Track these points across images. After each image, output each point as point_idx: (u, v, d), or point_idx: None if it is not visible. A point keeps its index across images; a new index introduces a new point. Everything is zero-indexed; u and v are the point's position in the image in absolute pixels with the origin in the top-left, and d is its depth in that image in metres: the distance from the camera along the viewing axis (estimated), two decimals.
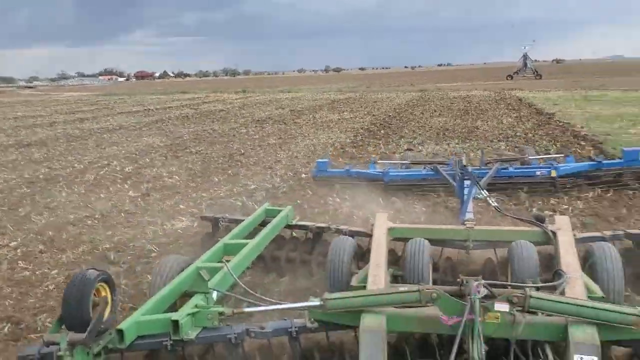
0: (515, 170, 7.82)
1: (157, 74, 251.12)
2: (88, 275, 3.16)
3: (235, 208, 7.67)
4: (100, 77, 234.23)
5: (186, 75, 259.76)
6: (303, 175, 9.79)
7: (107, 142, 16.10)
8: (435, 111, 22.24)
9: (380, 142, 13.93)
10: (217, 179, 9.90)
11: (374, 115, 22.00)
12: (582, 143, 12.18)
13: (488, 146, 12.32)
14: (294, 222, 5.39)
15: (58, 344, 2.86)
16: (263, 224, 5.22)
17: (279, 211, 5.37)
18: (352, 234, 4.75)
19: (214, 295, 3.53)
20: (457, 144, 13.00)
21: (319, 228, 5.13)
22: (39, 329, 4.26)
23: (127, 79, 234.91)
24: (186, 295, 3.55)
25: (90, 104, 40.61)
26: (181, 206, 7.98)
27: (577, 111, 19.80)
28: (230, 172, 10.59)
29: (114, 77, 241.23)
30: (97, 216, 7.58)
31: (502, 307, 2.80)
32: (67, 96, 61.29)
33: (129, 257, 5.84)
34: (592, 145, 11.78)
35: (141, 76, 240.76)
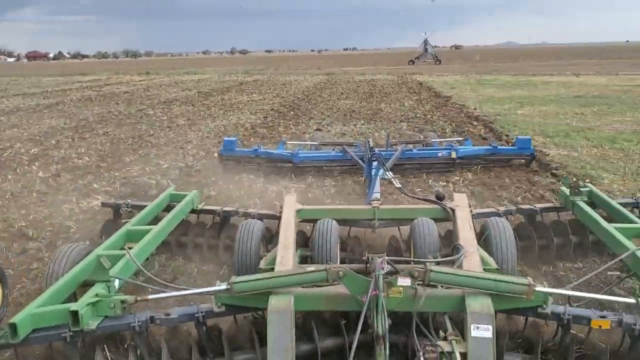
0: (419, 152, 8.22)
1: (51, 55, 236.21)
2: None
3: (150, 186, 7.83)
4: None
5: (84, 56, 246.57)
6: (215, 155, 10.04)
7: (5, 124, 15.37)
8: (342, 94, 22.99)
9: (290, 122, 14.38)
10: (128, 159, 9.92)
11: (282, 97, 22.39)
12: (475, 123, 13.27)
13: (391, 127, 13.10)
14: (200, 207, 5.33)
15: None
16: (168, 209, 5.13)
17: (184, 196, 5.29)
18: (261, 217, 4.78)
19: (116, 283, 3.43)
20: (363, 124, 13.70)
21: (226, 212, 5.10)
22: None
23: (17, 60, 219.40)
24: (86, 285, 3.43)
25: None
26: (95, 185, 8.02)
27: (471, 94, 21.24)
28: (141, 152, 10.62)
29: (2, 57, 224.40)
30: (7, 196, 7.47)
31: (404, 281, 2.89)
32: None
33: (47, 233, 5.92)
34: (484, 124, 12.88)
35: (33, 57, 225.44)
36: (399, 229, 4.75)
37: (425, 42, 63.00)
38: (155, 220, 4.83)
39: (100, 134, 13.18)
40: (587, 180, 6.97)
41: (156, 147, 11.12)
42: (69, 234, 5.86)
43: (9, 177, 8.71)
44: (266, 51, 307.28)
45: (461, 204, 4.55)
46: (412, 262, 3.31)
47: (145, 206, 5.08)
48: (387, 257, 2.94)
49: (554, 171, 7.93)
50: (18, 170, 9.19)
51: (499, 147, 8.49)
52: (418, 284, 2.90)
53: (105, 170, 9.08)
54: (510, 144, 9.25)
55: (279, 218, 4.58)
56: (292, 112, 16.73)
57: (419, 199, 5.27)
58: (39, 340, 2.99)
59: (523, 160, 8.33)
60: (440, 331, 2.90)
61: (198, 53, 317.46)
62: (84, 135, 12.97)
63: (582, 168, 8.08)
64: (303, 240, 4.55)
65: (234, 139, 8.83)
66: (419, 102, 18.75)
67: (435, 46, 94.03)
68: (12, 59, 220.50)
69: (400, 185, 5.49)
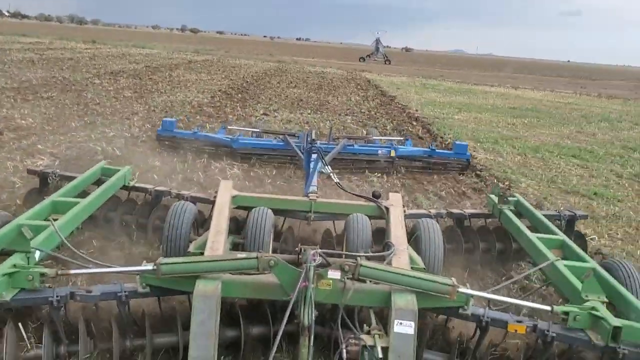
0: (360, 148, 8.31)
1: None
2: None
3: (95, 152, 7.99)
4: None
5: (24, 16, 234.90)
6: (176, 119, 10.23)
7: None
8: (291, 82, 23.34)
9: (237, 105, 14.63)
10: (73, 125, 9.96)
11: (231, 79, 22.51)
12: (414, 123, 13.96)
13: (336, 119, 13.60)
14: (132, 184, 5.22)
15: None
16: (98, 183, 5.02)
17: (116, 171, 5.17)
18: (194, 200, 4.72)
19: (37, 255, 3.29)
20: (309, 114, 14.14)
21: (158, 191, 5.03)
22: None
23: None
24: (3, 254, 3.32)
25: None
26: (39, 146, 8.08)
27: (415, 96, 22.07)
28: (86, 119, 10.64)
29: None
30: None
31: (334, 274, 2.93)
32: None
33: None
34: (422, 125, 13.58)
35: None
36: (333, 223, 4.82)
37: (377, 41, 64.11)
38: (84, 194, 4.73)
39: (44, 97, 13.02)
40: (507, 184, 7.68)
41: (102, 116, 11.16)
42: (14, 189, 5.99)
43: None
44: (218, 32, 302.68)
45: (395, 204, 4.65)
46: (344, 256, 3.33)
47: (74, 177, 4.96)
48: (319, 250, 2.95)
49: (478, 172, 8.62)
50: None
51: (436, 150, 8.67)
52: (347, 278, 2.94)
53: (49, 133, 9.11)
54: (448, 149, 9.48)
55: (212, 202, 4.52)
56: (239, 95, 16.97)
57: (355, 195, 5.35)
58: None
59: (459, 166, 8.53)
60: (365, 325, 2.97)
61: (147, 27, 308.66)
62: (27, 97, 12.77)
63: (504, 172, 8.83)
64: (236, 227, 4.52)
65: (174, 120, 8.76)
66: (365, 99, 19.37)
67: (387, 46, 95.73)
68: None
69: (338, 180, 5.53)
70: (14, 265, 3.00)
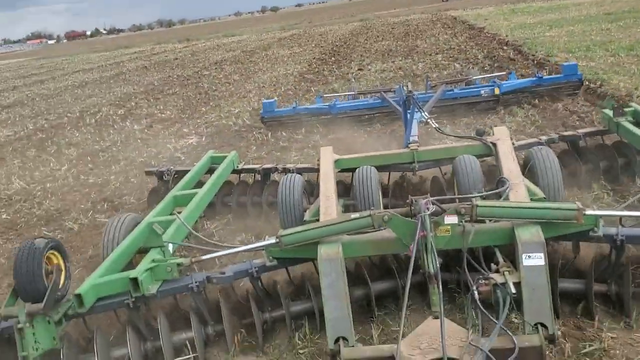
0: (461, 91, 8.00)
1: (88, 33, 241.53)
2: (36, 245, 3.03)
3: (229, 126, 9.51)
4: (28, 42, 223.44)
5: (119, 30, 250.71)
6: (276, 98, 11.64)
7: (83, 95, 17.41)
8: (378, 37, 24.07)
9: (333, 67, 15.79)
10: (203, 110, 11.66)
11: (321, 47, 23.65)
12: (505, 48, 14.36)
13: (427, 59, 14.33)
14: (240, 167, 5.43)
15: (16, 316, 2.84)
16: (210, 172, 5.30)
17: (224, 157, 5.39)
18: (299, 171, 4.85)
19: (170, 247, 3.53)
20: (401, 60, 14.98)
21: (265, 169, 5.23)
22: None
23: (57, 41, 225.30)
24: (141, 252, 3.56)
25: (35, 67, 40.44)
26: (184, 130, 9.78)
27: (504, 23, 21.97)
28: (211, 104, 12.32)
29: (44, 40, 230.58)
30: (118, 144, 9.31)
31: (451, 219, 2.90)
32: (3, 64, 59.90)
33: (164, 162, 7.66)
34: (513, 48, 13.96)
35: (72, 36, 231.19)
36: (440, 169, 4.78)
37: None
38: (200, 184, 4.97)
39: (169, 94, 14.98)
40: (598, 84, 8.16)
41: (223, 99, 12.80)
42: (181, 161, 7.60)
43: (111, 132, 10.57)
44: (296, 5, 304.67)
45: (502, 137, 4.50)
46: (457, 200, 3.30)
47: (187, 171, 5.23)
48: (431, 198, 2.94)
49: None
50: (115, 127, 11.05)
51: (544, 77, 8.23)
52: (466, 221, 2.92)
53: (187, 119, 10.83)
54: (554, 73, 9.00)
55: (317, 170, 4.61)
56: (333, 58, 18.10)
57: (458, 137, 5.32)
58: (104, 308, 3.12)
59: (571, 87, 8.05)
60: (492, 264, 2.95)
61: (229, 15, 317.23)
62: (157, 96, 14.78)
63: (595, 74, 9.25)
64: (344, 190, 4.61)
65: (273, 100, 8.98)
66: (453, 36, 19.74)
67: None
68: (52, 41, 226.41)
69: (437, 125, 5.42)
70: (153, 260, 3.23)
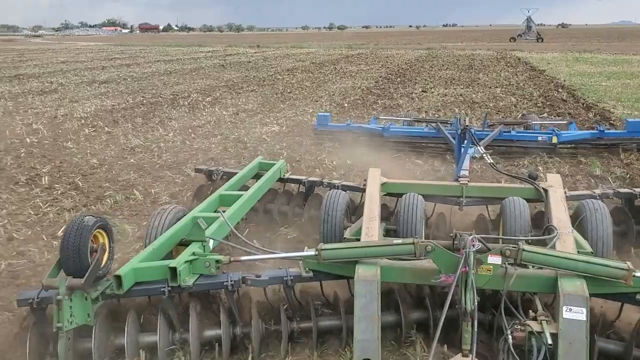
0: (517, 134, 7.92)
1: (161, 27, 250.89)
2: (86, 222, 3.11)
3: (305, 122, 11.00)
4: (104, 28, 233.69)
5: (190, 29, 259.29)
6: (345, 105, 13.15)
7: (170, 82, 19.33)
8: (442, 65, 25.40)
9: (399, 86, 17.21)
10: (281, 106, 13.23)
11: (388, 67, 25.12)
12: (560, 90, 15.47)
13: (487, 91, 15.57)
14: (286, 176, 5.48)
15: (57, 288, 2.91)
16: (256, 177, 5.38)
17: (272, 164, 5.45)
18: (344, 188, 4.85)
19: (211, 243, 3.58)
20: (462, 88, 16.28)
21: (311, 182, 5.24)
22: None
23: (131, 31, 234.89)
24: (182, 245, 3.64)
25: (116, 53, 43.30)
26: (267, 120, 11.34)
27: (565, 69, 22.96)
28: (287, 103, 13.90)
29: (118, 28, 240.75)
30: (212, 123, 10.94)
31: (494, 259, 2.89)
32: (83, 45, 63.75)
33: (253, 142, 9.20)
34: (567, 91, 15.07)
35: (145, 28, 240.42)
36: (487, 208, 4.72)
37: (528, 19, 62.74)
38: (245, 187, 5.05)
39: (248, 90, 16.68)
40: None
41: (297, 100, 14.37)
42: (267, 142, 9.11)
43: (203, 113, 12.24)
44: (363, 27, 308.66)
45: (555, 185, 4.44)
46: (502, 241, 3.29)
47: (235, 173, 5.32)
48: (477, 235, 2.92)
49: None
50: (205, 110, 12.73)
51: (606, 130, 8.03)
52: (509, 263, 2.91)
53: (267, 112, 12.41)
54: (617, 128, 8.86)
55: (362, 190, 4.69)
56: (398, 79, 19.53)
57: (511, 176, 5.37)
58: (140, 293, 3.19)
59: (634, 144, 7.85)
60: (530, 311, 2.92)
61: (296, 28, 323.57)
62: (238, 91, 16.50)
63: None
64: (386, 214, 4.62)
65: (328, 114, 9.09)
66: (514, 74, 20.89)
67: (540, 24, 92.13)
68: (126, 30, 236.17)
69: (492, 161, 5.39)
70: (193, 253, 3.30)
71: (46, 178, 6.94)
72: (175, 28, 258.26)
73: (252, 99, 14.59)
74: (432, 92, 15.51)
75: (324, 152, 8.19)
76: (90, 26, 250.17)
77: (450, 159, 7.56)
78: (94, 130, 10.14)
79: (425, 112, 12.02)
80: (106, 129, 10.33)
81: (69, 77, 21.52)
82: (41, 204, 5.96)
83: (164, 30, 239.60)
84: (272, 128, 10.41)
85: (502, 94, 15.05)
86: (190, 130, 10.15)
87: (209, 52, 44.04)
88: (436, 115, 11.43)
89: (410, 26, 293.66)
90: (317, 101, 14.17)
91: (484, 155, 5.49)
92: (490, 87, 16.50)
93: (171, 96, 15.12)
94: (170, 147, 8.71)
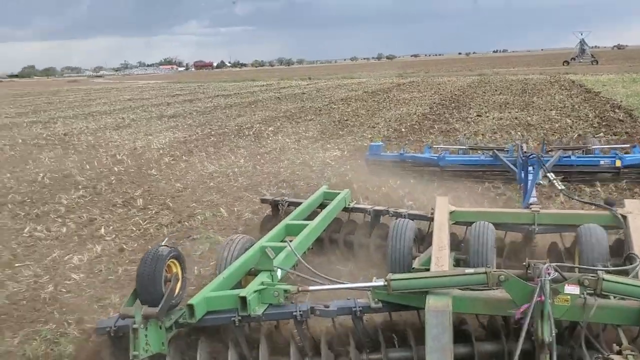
0: (578, 159, 7.64)
1: (214, 64, 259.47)
2: (160, 252, 3.22)
3: (365, 146, 11.52)
4: (161, 67, 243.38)
5: (242, 64, 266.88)
6: (403, 130, 13.67)
7: (232, 114, 20.38)
8: (495, 90, 25.63)
9: (454, 111, 17.62)
10: (340, 133, 13.88)
11: (440, 94, 25.55)
12: (617, 111, 15.52)
13: (542, 114, 15.77)
14: (351, 205, 5.44)
15: (133, 317, 3.00)
16: (321, 206, 5.33)
17: (337, 194, 5.43)
18: (412, 217, 4.75)
19: (279, 273, 3.62)
20: (517, 112, 16.54)
21: (376, 211, 5.14)
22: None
23: (186, 69, 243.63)
24: (250, 274, 3.70)
25: (176, 89, 45.38)
26: (328, 146, 11.98)
27: (621, 90, 22.78)
28: (346, 130, 14.53)
29: (174, 66, 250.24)
30: (277, 150, 11.66)
31: (572, 289, 2.78)
32: (144, 84, 66.88)
33: (318, 164, 9.81)
34: (624, 111, 15.12)
35: (200, 66, 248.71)
36: (560, 236, 4.55)
37: (582, 42, 61.86)
38: (311, 216, 5.02)
39: (307, 120, 17.45)
40: None
41: (355, 127, 15.00)
42: (331, 165, 9.71)
43: (268, 142, 13.01)
44: (412, 56, 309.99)
45: (634, 211, 4.30)
46: (579, 270, 3.18)
47: (300, 203, 5.30)
48: (551, 263, 2.85)
49: None
50: (269, 139, 13.50)
51: None
52: (588, 293, 2.79)
53: (328, 139, 13.06)
54: None
55: (429, 219, 4.61)
56: (452, 104, 19.93)
57: (586, 202, 5.19)
58: (211, 322, 3.22)
59: None
60: (614, 345, 2.78)
61: (345, 60, 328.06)
62: (297, 121, 17.30)
63: None
64: (455, 243, 4.50)
65: (380, 143, 8.96)
66: (569, 96, 20.94)
67: (595, 46, 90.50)
68: (182, 68, 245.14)
69: (563, 187, 5.26)
70: (262, 283, 3.32)
71: (140, 200, 7.74)
72: (228, 64, 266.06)
73: (312, 127, 15.31)
74: (487, 116, 15.84)
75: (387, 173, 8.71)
76: (147, 65, 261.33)
77: (509, 186, 7.36)
78: (172, 159, 11.03)
79: (482, 134, 12.41)
80: (183, 157, 11.21)
81: (138, 112, 22.97)
82: (140, 222, 6.71)
83: (218, 66, 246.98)
84: (334, 153, 11.02)
85: (557, 116, 15.23)
86: (258, 157, 10.89)
87: (263, 85, 45.58)
88: (493, 139, 11.78)
89: (460, 53, 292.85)
90: (374, 127, 14.75)
91: (554, 181, 5.33)
92: (544, 110, 16.69)
93: (236, 127, 16.05)
94: (243, 172, 9.44)
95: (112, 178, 9.33)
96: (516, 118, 14.98)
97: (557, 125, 13.37)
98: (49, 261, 5.44)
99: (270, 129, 15.39)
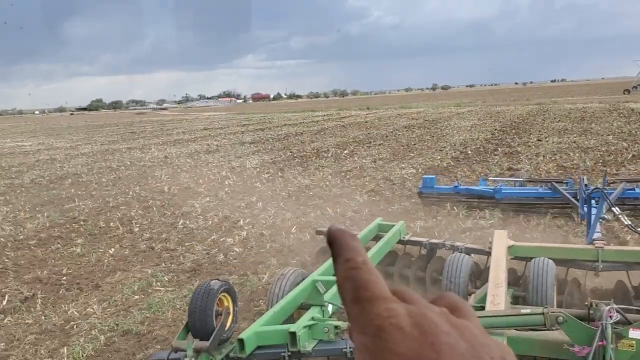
0: None
1: (271, 96, 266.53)
2: (212, 286, 3.21)
3: (436, 165, 13.02)
4: (220, 99, 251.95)
5: (298, 96, 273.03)
6: (469, 152, 15.06)
7: (305, 141, 22.23)
8: (554, 118, 26.59)
9: (514, 137, 18.85)
10: (411, 155, 15.40)
11: (500, 122, 26.69)
12: None
13: (600, 139, 16.82)
14: (406, 238, 5.30)
15: (184, 350, 3.07)
16: (376, 238, 5.23)
17: (392, 226, 5.32)
18: (468, 252, 4.64)
19: (330, 308, 3.55)
20: (575, 137, 17.63)
21: (432, 244, 5.04)
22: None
23: (244, 101, 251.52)
24: (302, 308, 3.66)
25: (243, 120, 48.01)
26: (402, 165, 13.51)
27: None
28: (415, 152, 16.04)
29: (233, 99, 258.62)
30: (357, 168, 13.28)
31: (637, 334, 2.63)
32: (210, 115, 70.25)
33: (397, 179, 11.34)
34: None
35: (257, 98, 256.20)
36: (627, 274, 4.37)
37: None
38: (365, 249, 5.94)
39: (377, 144, 19.06)
40: None
41: (423, 150, 16.48)
42: (410, 179, 11.21)
43: (346, 162, 14.66)
44: (467, 86, 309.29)
45: None
46: None
47: (355, 235, 6.60)
48: (615, 305, 2.73)
49: None
50: (347, 160, 15.15)
51: None
52: None
53: (400, 160, 14.60)
54: None
55: (487, 253, 4.47)
56: (513, 131, 21.13)
57: None
58: (261, 356, 3.19)
59: None
60: None
61: (398, 90, 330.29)
62: (367, 145, 18.93)
63: None
64: (513, 279, 4.40)
65: (433, 176, 8.70)
66: (627, 123, 21.76)
67: None
68: (240, 100, 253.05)
69: (629, 223, 4.97)
70: (312, 318, 3.29)
71: (260, 203, 9.49)
72: (284, 96, 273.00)
73: (383, 151, 16.89)
74: (547, 141, 17.01)
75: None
76: (208, 98, 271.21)
77: (568, 220, 7.20)
78: (270, 176, 12.82)
79: (543, 155, 13.66)
80: (278, 174, 12.99)
81: (219, 140, 25.19)
82: (267, 216, 8.45)
83: (274, 98, 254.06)
84: (409, 170, 12.54)
85: (614, 140, 16.25)
86: (342, 174, 12.53)
87: (324, 115, 47.57)
88: (553, 159, 13.03)
89: (517, 83, 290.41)
90: (441, 150, 16.19)
91: (620, 216, 5.07)
92: (602, 135, 17.71)
93: (314, 151, 17.82)
94: (333, 185, 11.08)
95: (227, 189, 11.16)
96: (574, 142, 16.11)
97: (613, 148, 14.45)
98: (209, 241, 7.21)
99: (345, 152, 17.07)
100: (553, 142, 16.48)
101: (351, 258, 0.46)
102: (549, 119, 26.43)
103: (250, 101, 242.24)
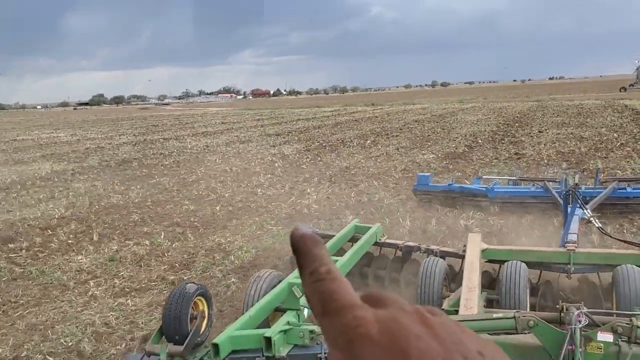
0: (634, 191, 7.19)
1: (271, 92, 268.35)
2: (187, 290, 3.20)
3: (452, 152, 15.09)
4: (220, 95, 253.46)
5: (298, 92, 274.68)
6: (479, 141, 17.16)
7: (326, 133, 24.28)
8: (553, 113, 28.73)
9: (518, 129, 20.96)
10: (428, 144, 17.49)
11: (503, 116, 28.77)
12: None
13: (593, 131, 18.89)
14: (382, 240, 5.32)
15: (158, 354, 3.07)
16: (352, 240, 5.26)
17: (368, 228, 5.33)
18: (443, 255, 4.67)
19: (305, 312, 3.55)
20: (572, 129, 19.74)
21: (408, 247, 5.04)
22: None
23: (244, 97, 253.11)
24: (278, 311, 3.66)
25: (254, 115, 49.86)
26: (422, 152, 15.59)
27: None
28: (429, 143, 18.10)
29: (233, 95, 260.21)
30: (384, 155, 15.35)
31: (605, 337, 2.65)
32: (215, 111, 72.02)
33: (422, 162, 13.40)
34: None
35: (257, 94, 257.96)
36: (598, 276, 4.42)
37: (639, 69, 63.45)
38: (341, 251, 5.00)
39: (394, 135, 21.13)
40: None
41: (437, 141, 18.55)
42: (433, 162, 13.28)
43: (371, 150, 16.72)
44: (466, 83, 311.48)
45: None
46: (615, 315, 3.03)
47: (332, 236, 5.17)
48: (584, 309, 2.76)
49: None
50: (372, 148, 17.20)
51: None
52: (622, 341, 2.65)
53: (419, 148, 16.68)
54: None
55: (462, 257, 4.49)
56: (516, 124, 23.25)
57: (624, 241, 5.05)
58: None
59: None
60: None
61: (398, 87, 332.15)
62: (385, 136, 21.00)
63: None
64: (488, 282, 4.42)
65: (428, 174, 8.72)
66: (619, 118, 23.88)
67: None
68: (240, 96, 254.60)
69: (600, 225, 5.09)
70: (288, 323, 3.29)
71: (315, 178, 11.55)
72: (284, 92, 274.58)
73: (402, 141, 18.97)
74: (547, 132, 19.12)
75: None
76: (208, 93, 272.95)
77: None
78: (310, 160, 14.88)
79: (544, 144, 15.75)
80: (317, 158, 15.05)
81: (244, 132, 27.24)
82: (327, 187, 10.52)
83: (274, 94, 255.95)
84: (430, 156, 14.62)
85: (607, 132, 18.36)
86: (372, 159, 14.62)
87: (333, 111, 49.40)
88: (553, 146, 15.11)
89: (515, 80, 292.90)
90: (454, 140, 18.27)
91: (592, 219, 5.20)
92: (596, 128, 19.83)
93: (339, 141, 19.89)
94: (369, 166, 13.17)
95: (279, 169, 13.22)
96: (571, 133, 18.22)
97: (604, 137, 16.55)
98: (289, 202, 9.29)
99: (367, 142, 19.14)
100: (553, 133, 18.58)
101: (314, 270, 0.44)
102: (548, 114, 28.54)
103: (250, 97, 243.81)
